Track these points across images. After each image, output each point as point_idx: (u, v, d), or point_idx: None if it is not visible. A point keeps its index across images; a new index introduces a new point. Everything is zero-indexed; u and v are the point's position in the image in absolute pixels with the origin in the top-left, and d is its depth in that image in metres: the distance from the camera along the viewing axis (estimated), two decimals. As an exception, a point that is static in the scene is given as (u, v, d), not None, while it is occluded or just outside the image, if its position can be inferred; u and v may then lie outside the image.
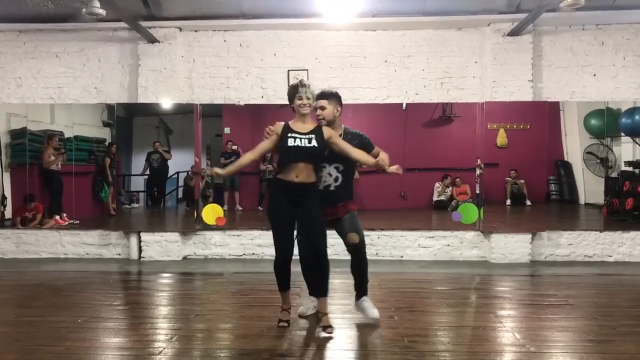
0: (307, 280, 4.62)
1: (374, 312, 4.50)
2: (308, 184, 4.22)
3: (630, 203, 8.19)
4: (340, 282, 5.48)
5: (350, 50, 7.62)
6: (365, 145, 4.48)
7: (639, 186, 8.16)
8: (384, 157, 4.23)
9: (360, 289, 4.59)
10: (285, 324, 4.38)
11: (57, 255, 7.67)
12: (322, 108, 4.42)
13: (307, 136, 4.21)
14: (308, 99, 4.24)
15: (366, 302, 4.56)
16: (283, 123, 4.30)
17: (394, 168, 4.19)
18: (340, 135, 4.42)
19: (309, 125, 4.29)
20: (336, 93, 4.52)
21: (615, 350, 3.87)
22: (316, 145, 4.20)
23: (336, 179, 4.45)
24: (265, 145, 4.33)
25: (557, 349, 3.97)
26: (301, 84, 4.26)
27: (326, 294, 4.35)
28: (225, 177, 4.25)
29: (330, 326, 4.27)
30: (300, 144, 4.17)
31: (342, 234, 4.47)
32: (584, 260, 7.32)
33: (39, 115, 8.20)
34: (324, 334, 4.21)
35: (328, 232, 4.34)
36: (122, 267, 7.13)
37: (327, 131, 4.30)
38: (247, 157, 4.33)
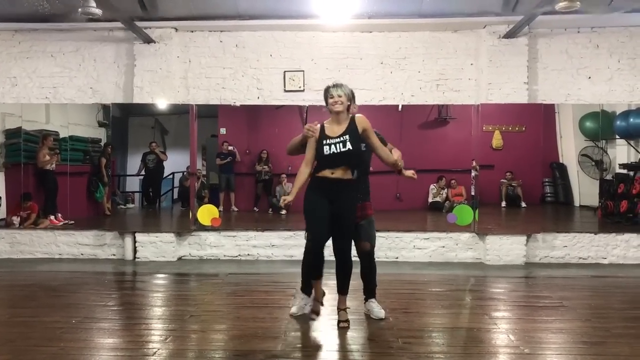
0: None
1: (380, 313, 4.64)
2: (344, 180, 4.28)
3: (624, 205, 8.21)
4: (334, 283, 5.46)
5: (346, 51, 7.62)
6: (380, 142, 4.53)
7: (634, 188, 8.19)
8: (397, 156, 4.39)
9: (369, 292, 4.75)
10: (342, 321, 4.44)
11: (52, 255, 7.65)
12: (339, 96, 4.40)
13: (341, 139, 4.23)
14: (339, 96, 4.28)
15: (373, 302, 4.72)
16: (318, 126, 4.31)
17: (410, 172, 4.37)
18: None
19: (343, 126, 4.30)
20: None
21: (609, 352, 3.89)
22: (351, 147, 4.23)
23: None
24: (311, 153, 4.30)
25: (551, 350, 3.98)
26: (332, 85, 4.35)
27: (346, 291, 4.46)
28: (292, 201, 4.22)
29: (347, 320, 4.41)
30: (335, 150, 4.21)
31: (356, 240, 4.59)
32: (578, 262, 7.34)
33: (34, 115, 8.18)
34: (342, 325, 4.35)
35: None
36: (116, 267, 7.11)
37: (360, 123, 4.32)
38: (303, 173, 4.31)
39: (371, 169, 4.74)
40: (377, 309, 4.66)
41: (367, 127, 4.32)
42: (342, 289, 4.47)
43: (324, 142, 4.23)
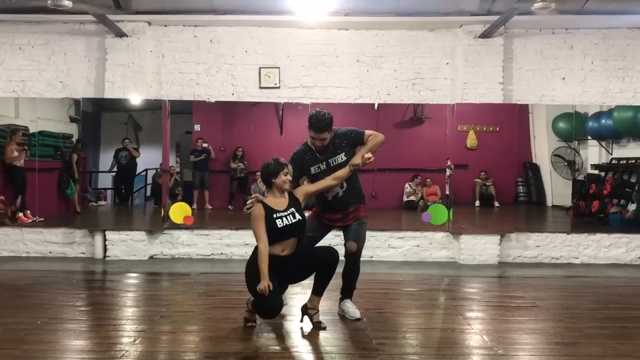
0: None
1: (355, 313, 4.57)
2: (291, 255, 4.26)
3: (596, 205, 8.33)
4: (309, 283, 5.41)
5: (323, 49, 7.56)
6: (355, 141, 4.50)
7: (604, 189, 8.30)
8: (367, 147, 4.40)
9: (346, 292, 4.68)
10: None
11: (19, 253, 7.44)
12: (323, 139, 4.39)
13: (288, 211, 4.21)
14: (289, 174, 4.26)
15: (348, 302, 4.64)
16: (260, 204, 4.17)
17: (366, 157, 4.34)
18: (330, 138, 4.41)
19: (284, 200, 4.27)
20: (331, 118, 4.37)
21: (582, 352, 3.89)
22: (300, 218, 4.24)
23: (341, 186, 4.49)
24: (263, 230, 4.10)
25: (524, 351, 3.98)
26: (284, 162, 4.25)
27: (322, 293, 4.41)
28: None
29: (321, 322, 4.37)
30: (288, 222, 4.17)
31: (345, 238, 4.55)
32: (551, 262, 7.40)
33: (2, 110, 7.98)
34: (323, 326, 4.31)
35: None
36: (86, 266, 6.95)
37: (299, 194, 4.36)
38: (265, 253, 4.05)
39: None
40: (353, 309, 4.60)
41: (302, 192, 4.39)
42: (321, 291, 4.41)
43: (274, 215, 4.16)
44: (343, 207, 4.51)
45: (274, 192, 4.27)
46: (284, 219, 4.17)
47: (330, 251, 4.32)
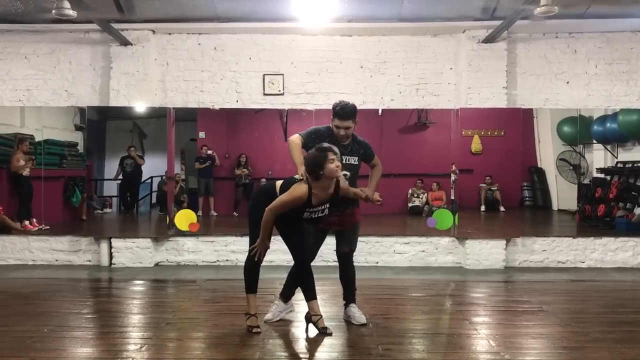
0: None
1: (361, 318, 4.57)
2: None
3: (602, 209, 8.29)
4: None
5: (326, 55, 7.58)
6: (368, 155, 4.62)
7: (610, 193, 8.26)
8: (374, 183, 4.60)
9: (348, 297, 4.68)
10: None
11: (25, 261, 7.47)
12: (347, 128, 4.43)
13: (322, 207, 4.23)
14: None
15: (354, 307, 4.64)
16: (306, 188, 4.08)
17: (377, 199, 4.44)
18: (348, 143, 4.48)
19: (328, 193, 4.18)
20: (355, 107, 4.47)
21: (589, 357, 3.88)
22: (327, 212, 4.29)
23: None
24: (285, 208, 4.14)
25: (531, 356, 3.96)
26: (327, 147, 4.08)
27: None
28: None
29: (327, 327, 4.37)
30: (313, 217, 4.25)
31: (337, 243, 4.61)
32: (557, 266, 7.37)
33: (8, 118, 8.02)
34: (325, 333, 4.30)
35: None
36: (92, 274, 6.96)
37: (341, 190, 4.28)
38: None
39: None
40: (359, 315, 4.60)
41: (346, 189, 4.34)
42: (312, 295, 4.42)
43: (307, 209, 4.17)
44: (338, 208, 4.46)
45: (322, 183, 4.09)
46: (313, 213, 4.20)
47: (340, 251, 4.47)
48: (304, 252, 4.36)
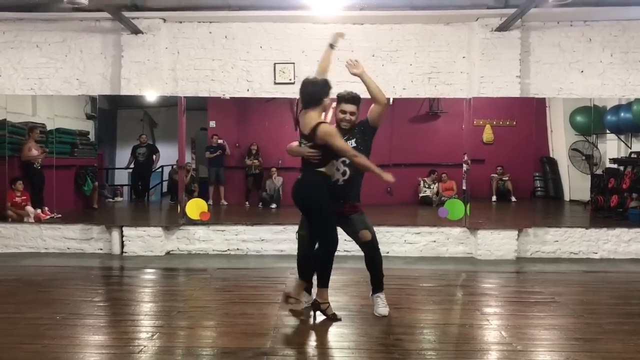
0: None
1: (382, 311, 4.53)
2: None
3: (614, 200, 8.21)
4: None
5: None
6: (366, 125, 4.60)
7: (624, 183, 8.18)
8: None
9: (376, 285, 4.62)
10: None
11: (38, 249, 7.52)
12: (352, 113, 4.46)
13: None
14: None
15: (379, 298, 4.59)
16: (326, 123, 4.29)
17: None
18: (349, 129, 4.51)
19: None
20: (359, 95, 4.55)
21: (602, 348, 3.85)
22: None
23: (344, 173, 4.43)
24: None
25: (543, 347, 3.94)
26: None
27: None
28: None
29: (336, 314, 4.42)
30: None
31: (354, 233, 4.51)
32: (569, 257, 7.32)
33: (20, 107, 8.04)
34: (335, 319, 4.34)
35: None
36: (103, 262, 7.00)
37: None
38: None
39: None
40: (382, 307, 4.53)
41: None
42: (325, 282, 4.45)
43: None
44: (339, 197, 4.42)
45: (316, 110, 4.34)
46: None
47: (362, 239, 4.46)
48: (335, 241, 4.36)
